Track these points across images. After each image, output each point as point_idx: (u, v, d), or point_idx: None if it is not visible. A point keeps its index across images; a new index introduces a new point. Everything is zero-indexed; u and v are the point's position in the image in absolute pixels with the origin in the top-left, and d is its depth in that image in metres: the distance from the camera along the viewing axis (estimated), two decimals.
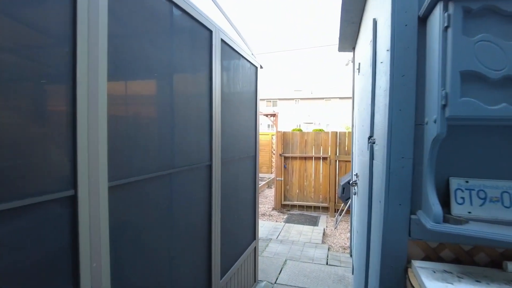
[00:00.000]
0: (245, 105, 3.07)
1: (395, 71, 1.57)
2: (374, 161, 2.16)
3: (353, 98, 4.30)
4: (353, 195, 3.37)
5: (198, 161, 2.07)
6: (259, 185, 9.25)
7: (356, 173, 3.03)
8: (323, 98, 42.96)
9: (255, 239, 3.46)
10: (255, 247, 3.46)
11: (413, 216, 1.54)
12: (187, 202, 1.96)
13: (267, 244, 4.88)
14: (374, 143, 2.17)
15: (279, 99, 43.71)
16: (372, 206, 2.18)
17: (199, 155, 2.08)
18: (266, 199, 8.36)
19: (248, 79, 3.15)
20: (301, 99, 43.65)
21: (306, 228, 5.75)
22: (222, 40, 2.41)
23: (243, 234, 3.12)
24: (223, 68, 2.46)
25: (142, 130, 1.53)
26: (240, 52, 2.84)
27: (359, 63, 2.99)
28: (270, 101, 43.01)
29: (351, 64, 4.46)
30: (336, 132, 6.91)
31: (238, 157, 2.90)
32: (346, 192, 6.07)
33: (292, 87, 48.32)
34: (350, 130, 9.00)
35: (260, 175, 11.99)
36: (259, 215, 6.60)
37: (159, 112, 1.68)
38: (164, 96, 1.73)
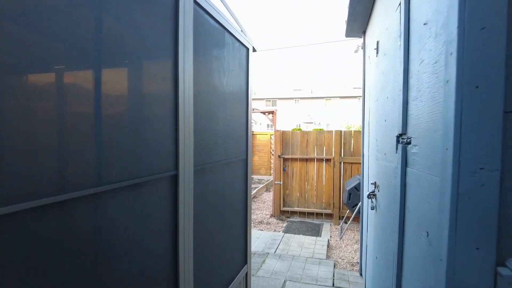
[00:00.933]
0: (232, 98, 2.42)
1: (467, 23, 0.92)
2: (409, 169, 1.52)
3: (364, 89, 3.66)
4: (369, 209, 2.73)
5: (151, 171, 1.41)
6: (257, 188, 8.59)
7: (374, 182, 2.40)
8: (323, 98, 42.34)
9: (246, 263, 2.81)
10: (246, 273, 2.80)
11: (502, 270, 0.90)
12: (128, 233, 1.31)
13: (264, 260, 4.23)
14: (409, 143, 1.52)
15: (279, 98, 43.04)
16: (406, 236, 1.53)
17: (153, 163, 1.43)
18: (264, 204, 7.71)
19: (237, 63, 2.50)
20: (300, 98, 43.00)
21: (308, 240, 5.10)
22: (195, 2, 1.75)
23: (230, 260, 2.47)
24: (197, 45, 1.81)
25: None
26: (224, 25, 2.18)
27: (377, 41, 2.35)
28: (270, 100, 42.36)
29: (361, 51, 3.82)
30: (341, 131, 6.27)
31: (223, 161, 2.25)
32: (353, 198, 5.42)
33: (291, 87, 47.67)
34: (352, 129, 8.13)
35: (258, 177, 11.35)
36: (256, 224, 5.96)
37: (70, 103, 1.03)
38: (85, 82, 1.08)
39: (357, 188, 5.38)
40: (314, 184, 6.47)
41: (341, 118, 40.58)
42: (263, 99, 41.61)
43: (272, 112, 6.55)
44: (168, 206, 1.55)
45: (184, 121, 1.62)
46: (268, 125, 39.25)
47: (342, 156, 6.27)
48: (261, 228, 5.84)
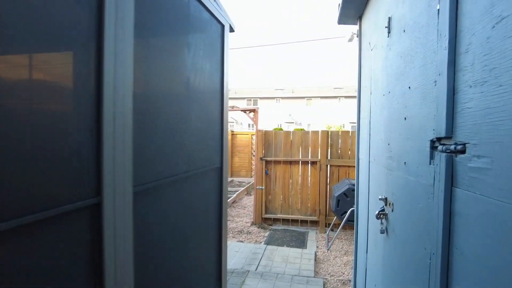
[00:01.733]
0: (200, 92, 1.84)
1: None
2: (460, 192, 0.99)
3: (359, 82, 3.16)
4: (377, 231, 2.22)
5: (55, 203, 0.81)
6: (237, 192, 8.01)
7: (385, 198, 1.89)
8: (304, 98, 42.26)
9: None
10: None
11: None
12: None
13: (243, 281, 3.67)
14: (461, 151, 1.00)
15: (260, 98, 42.57)
16: None
17: (55, 191, 0.83)
18: (245, 210, 7.14)
19: (208, 45, 1.92)
20: (282, 98, 42.73)
21: (293, 252, 4.57)
22: None
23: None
24: (142, 19, 1.22)
25: None
26: None
27: (390, 17, 1.84)
28: (251, 99, 41.83)
29: (356, 40, 3.32)
30: (327, 132, 5.79)
31: (186, 174, 1.67)
32: (342, 205, 4.95)
33: (273, 86, 47.33)
34: (333, 129, 7.63)
35: (239, 179, 10.79)
36: (235, 234, 5.39)
37: None
38: None
39: (347, 194, 4.91)
40: (298, 188, 5.97)
41: (322, 118, 40.58)
42: (244, 98, 41.04)
43: (253, 110, 6.00)
44: (87, 250, 0.95)
45: (114, 125, 1.03)
46: (249, 125, 38.83)
47: (329, 158, 5.80)
48: (241, 239, 5.27)
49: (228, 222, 6.14)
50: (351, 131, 5.78)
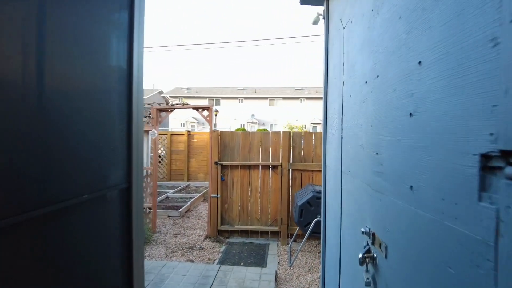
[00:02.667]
0: (79, 73, 1.12)
1: None
2: None
3: (326, 73, 2.60)
4: (357, 268, 1.63)
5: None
6: (192, 199, 7.23)
7: (370, 232, 1.29)
8: (266, 98, 42.06)
9: None
10: None
11: None
12: None
13: None
14: None
15: (222, 97, 41.70)
16: None
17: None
18: (199, 220, 6.39)
19: None
20: (244, 98, 42.19)
21: (251, 273, 3.94)
22: None
23: None
24: None
25: None
26: None
27: None
28: (213, 99, 40.82)
29: (321, 22, 2.76)
30: (289, 133, 5.24)
31: (48, 208, 0.94)
32: (306, 215, 4.40)
33: (235, 86, 46.66)
34: (294, 130, 7.12)
35: (196, 183, 10.00)
36: (185, 251, 4.66)
37: None
38: None
39: (310, 203, 4.37)
40: (258, 196, 5.35)
41: (285, 119, 40.64)
42: (205, 97, 39.94)
43: (207, 108, 5.28)
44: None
45: None
46: (215, 125, 37.78)
47: (291, 162, 5.25)
48: (191, 258, 4.53)
49: (179, 236, 5.38)
50: (314, 133, 5.27)
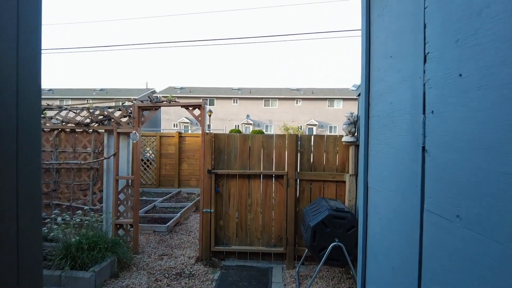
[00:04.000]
0: None
1: None
2: None
3: (366, 64, 1.81)
4: None
5: None
6: (183, 209, 6.35)
7: None
8: (262, 99, 41.29)
9: None
10: None
11: None
12: None
13: None
14: None
15: (217, 97, 40.79)
16: None
17: None
18: (189, 237, 5.52)
19: None
20: (239, 98, 41.34)
21: None
22: None
23: None
24: None
25: None
26: None
27: None
28: (207, 99, 39.87)
29: None
30: (296, 135, 4.41)
31: None
32: (320, 238, 3.58)
33: (230, 86, 45.76)
34: (292, 132, 6.27)
35: (188, 190, 9.14)
36: (171, 279, 3.81)
37: None
38: None
39: (326, 224, 3.55)
40: (259, 211, 4.51)
41: (280, 120, 39.88)
42: (199, 97, 38.97)
43: (198, 106, 4.43)
44: None
45: None
46: (208, 126, 36.92)
47: (299, 171, 4.42)
48: None
49: (165, 259, 4.51)
50: (327, 136, 4.46)
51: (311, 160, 4.43)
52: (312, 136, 4.44)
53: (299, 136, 4.44)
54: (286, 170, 4.40)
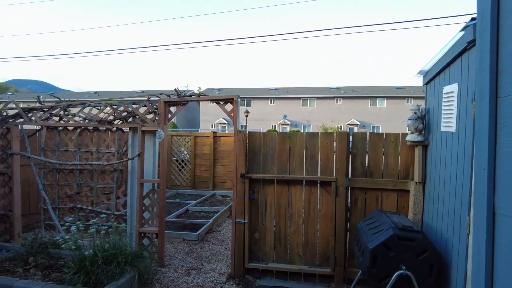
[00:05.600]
0: None
1: None
2: None
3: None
4: None
5: None
6: (217, 214, 5.68)
7: None
8: (299, 98, 40.24)
9: None
10: None
11: None
12: None
13: None
14: None
15: (253, 97, 40.40)
16: None
17: None
18: (222, 247, 4.94)
19: None
20: (276, 98, 40.63)
21: None
22: None
23: None
24: None
25: None
26: None
27: None
28: (244, 99, 39.65)
29: None
30: (347, 134, 3.65)
31: None
32: (381, 264, 2.80)
33: (267, 86, 45.32)
34: (338, 131, 5.30)
35: (222, 192, 8.66)
36: None
37: None
38: None
39: (390, 246, 2.77)
40: (301, 223, 3.80)
41: (319, 120, 38.58)
42: None
43: (230, 100, 3.83)
44: None
45: None
46: (242, 126, 36.83)
47: (350, 177, 3.65)
48: None
49: (193, 274, 3.95)
50: (386, 134, 3.65)
51: (366, 164, 3.64)
52: (368, 134, 3.65)
53: (351, 134, 3.67)
54: (334, 175, 3.65)
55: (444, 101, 2.94)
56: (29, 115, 4.52)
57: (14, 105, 4.55)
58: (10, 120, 4.53)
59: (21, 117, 4.49)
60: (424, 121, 3.46)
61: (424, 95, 3.70)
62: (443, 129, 2.97)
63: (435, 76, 3.27)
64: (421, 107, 3.48)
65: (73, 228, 3.36)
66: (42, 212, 4.54)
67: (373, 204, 3.62)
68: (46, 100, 5.08)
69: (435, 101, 3.25)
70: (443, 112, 2.97)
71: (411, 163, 3.56)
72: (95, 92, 46.11)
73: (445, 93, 2.95)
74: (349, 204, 3.69)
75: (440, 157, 3.01)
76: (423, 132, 3.43)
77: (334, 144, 3.69)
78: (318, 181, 3.72)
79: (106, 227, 3.66)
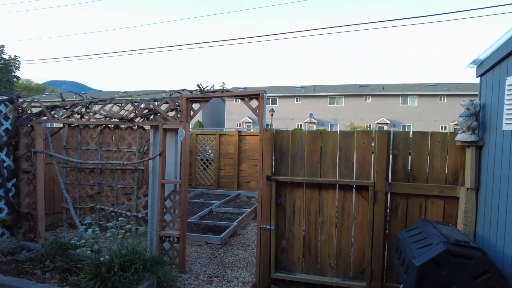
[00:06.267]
0: None
1: None
2: None
3: None
4: None
5: None
6: (241, 216, 5.25)
7: None
8: (326, 96, 39.35)
9: None
10: None
11: None
12: None
13: None
14: None
15: (278, 96, 39.95)
16: None
17: None
18: (246, 252, 4.67)
19: None
20: (302, 96, 39.96)
21: None
22: None
23: None
24: None
25: None
26: None
27: None
28: (269, 98, 39.31)
29: None
30: (387, 132, 3.24)
31: None
32: (429, 284, 2.40)
33: (293, 84, 44.69)
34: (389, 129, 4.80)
35: (247, 193, 8.42)
36: None
37: None
38: None
39: (440, 264, 2.37)
40: (334, 232, 3.44)
41: (347, 118, 37.52)
42: None
43: (255, 96, 3.54)
44: None
45: None
46: (268, 125, 36.53)
47: (390, 181, 3.25)
48: None
49: (215, 282, 3.70)
50: (431, 133, 3.21)
51: (408, 167, 3.22)
52: (411, 133, 3.23)
53: (392, 133, 3.26)
54: (372, 179, 3.26)
55: (508, 94, 2.49)
56: (52, 113, 4.45)
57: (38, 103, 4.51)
58: (34, 118, 4.48)
59: (45, 115, 4.43)
60: (479, 118, 3.00)
61: (458, 92, 3.23)
62: (506, 127, 2.52)
63: (494, 65, 2.80)
64: (475, 102, 3.02)
65: (89, 232, 3.19)
66: (64, 211, 4.47)
67: (415, 212, 3.20)
68: (69, 99, 5.01)
69: (494, 94, 2.79)
70: (506, 107, 2.52)
71: (461, 166, 3.11)
72: (124, 92, 47.52)
73: (509, 85, 2.50)
74: (389, 211, 3.29)
75: (502, 160, 2.56)
76: (477, 131, 2.98)
77: (376, 143, 3.30)
78: (354, 186, 3.34)
79: (124, 230, 3.48)
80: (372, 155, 3.28)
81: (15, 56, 40.83)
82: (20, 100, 4.56)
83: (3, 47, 39.97)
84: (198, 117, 41.30)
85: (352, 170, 3.35)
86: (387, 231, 3.30)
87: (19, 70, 41.98)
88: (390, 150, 3.25)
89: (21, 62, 41.61)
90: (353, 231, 3.41)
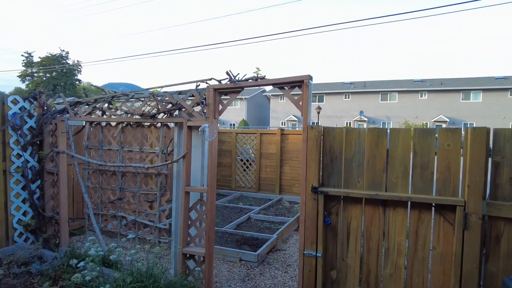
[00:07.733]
0: None
1: None
2: None
3: None
4: None
5: None
6: (283, 227, 4.57)
7: None
8: (378, 92, 36.98)
9: None
10: None
11: None
12: None
13: None
14: None
15: (326, 93, 38.35)
16: None
17: None
18: (286, 274, 3.90)
19: None
20: (352, 93, 37.95)
21: None
22: None
23: None
24: None
25: None
26: None
27: None
28: (316, 95, 37.91)
29: None
30: (487, 131, 2.28)
31: None
32: None
33: (342, 80, 42.71)
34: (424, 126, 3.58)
35: (290, 198, 7.67)
36: None
37: None
38: None
39: None
40: (402, 264, 2.56)
41: (400, 116, 34.88)
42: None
43: (298, 84, 2.77)
44: None
45: None
46: (314, 123, 35.27)
47: (489, 199, 2.29)
48: None
49: None
50: None
51: None
52: None
53: (491, 131, 2.30)
54: (461, 196, 2.33)
55: None
56: (75, 109, 4.08)
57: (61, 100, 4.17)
58: (58, 116, 4.15)
59: (68, 112, 4.08)
60: None
61: None
62: None
63: None
64: None
65: (92, 251, 2.66)
66: (86, 217, 4.08)
67: None
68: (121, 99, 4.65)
69: None
70: None
71: None
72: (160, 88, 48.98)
73: None
74: (486, 242, 2.33)
75: None
76: None
77: (468, 145, 2.37)
78: (433, 204, 2.43)
79: (141, 244, 2.92)
80: (463, 162, 2.34)
81: (77, 61, 44.06)
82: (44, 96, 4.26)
83: (68, 53, 43.34)
84: (243, 115, 41.16)
85: (431, 183, 2.44)
86: (482, 268, 2.34)
87: (80, 74, 45.23)
88: (489, 156, 2.30)
89: (82, 66, 44.79)
90: (429, 265, 2.50)
